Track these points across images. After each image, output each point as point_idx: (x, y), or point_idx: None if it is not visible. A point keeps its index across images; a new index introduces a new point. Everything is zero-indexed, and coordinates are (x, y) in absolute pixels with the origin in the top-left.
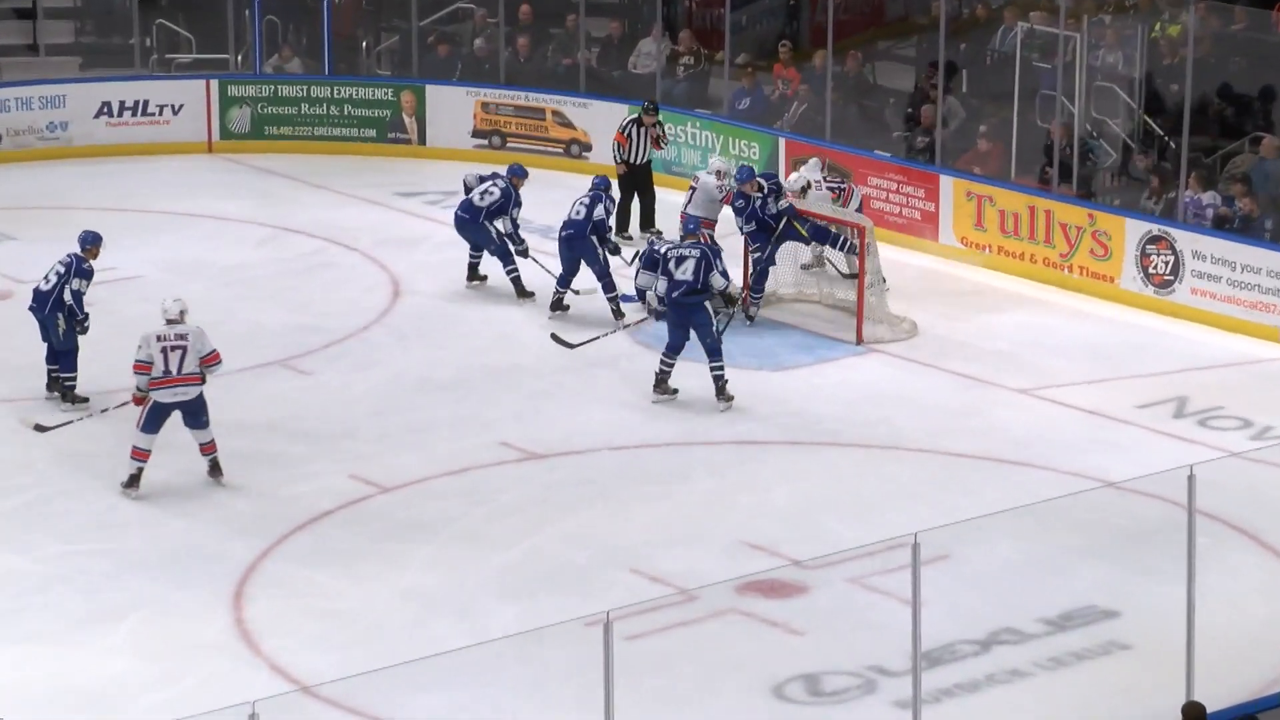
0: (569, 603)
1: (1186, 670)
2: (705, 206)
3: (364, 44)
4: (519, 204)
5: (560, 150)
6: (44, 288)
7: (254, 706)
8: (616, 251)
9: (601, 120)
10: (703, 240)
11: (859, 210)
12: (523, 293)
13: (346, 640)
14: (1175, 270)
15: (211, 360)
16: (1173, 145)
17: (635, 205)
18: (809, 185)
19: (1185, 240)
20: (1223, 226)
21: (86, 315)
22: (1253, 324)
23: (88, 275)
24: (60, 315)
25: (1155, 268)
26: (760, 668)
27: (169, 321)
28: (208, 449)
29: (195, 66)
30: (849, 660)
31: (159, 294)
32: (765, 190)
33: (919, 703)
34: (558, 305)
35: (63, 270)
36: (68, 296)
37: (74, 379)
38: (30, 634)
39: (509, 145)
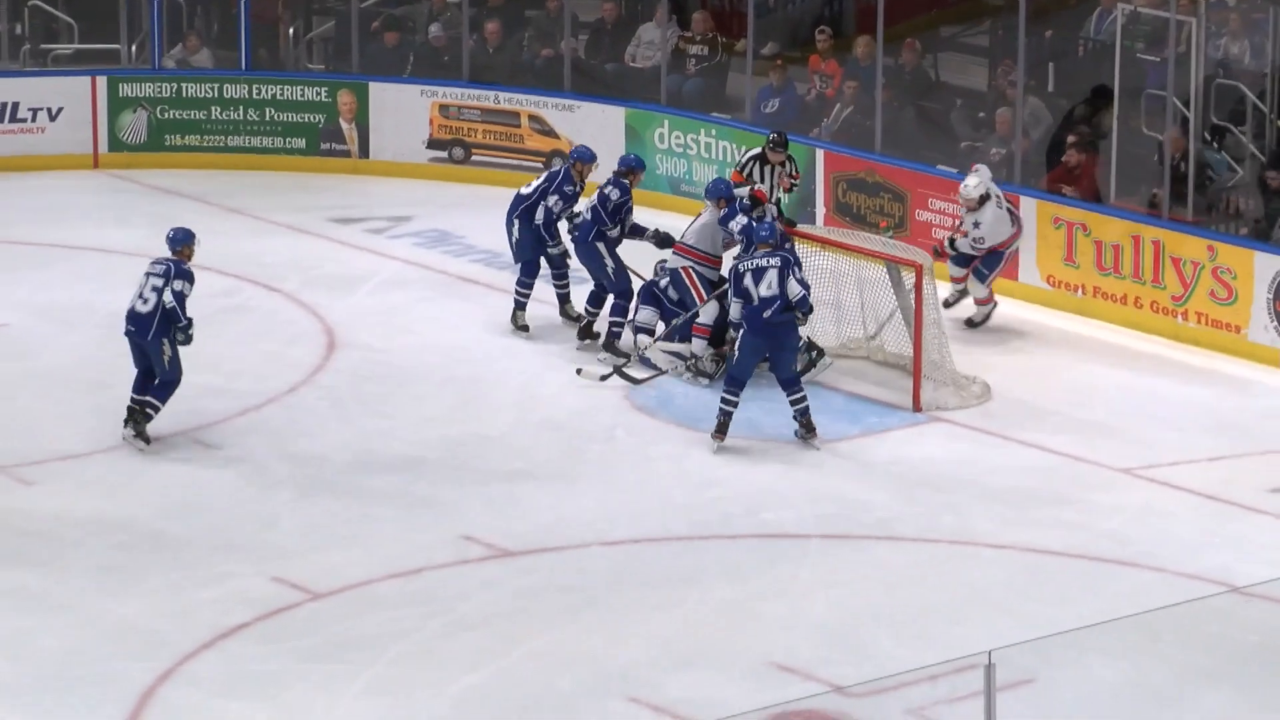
0: None
1: None
2: (705, 238)
3: (291, 31)
4: (568, 195)
5: (540, 164)
6: (141, 309)
7: None
8: (563, 258)
9: (591, 126)
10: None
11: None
12: (567, 315)
13: None
14: None
15: None
16: None
17: None
18: (987, 195)
19: None
20: None
21: (190, 321)
22: None
23: (189, 278)
24: (165, 340)
25: None
26: None
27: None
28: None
29: (78, 60)
30: None
31: (27, 348)
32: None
33: None
34: (585, 333)
35: (159, 282)
36: (168, 299)
37: (157, 412)
38: None
39: (474, 159)
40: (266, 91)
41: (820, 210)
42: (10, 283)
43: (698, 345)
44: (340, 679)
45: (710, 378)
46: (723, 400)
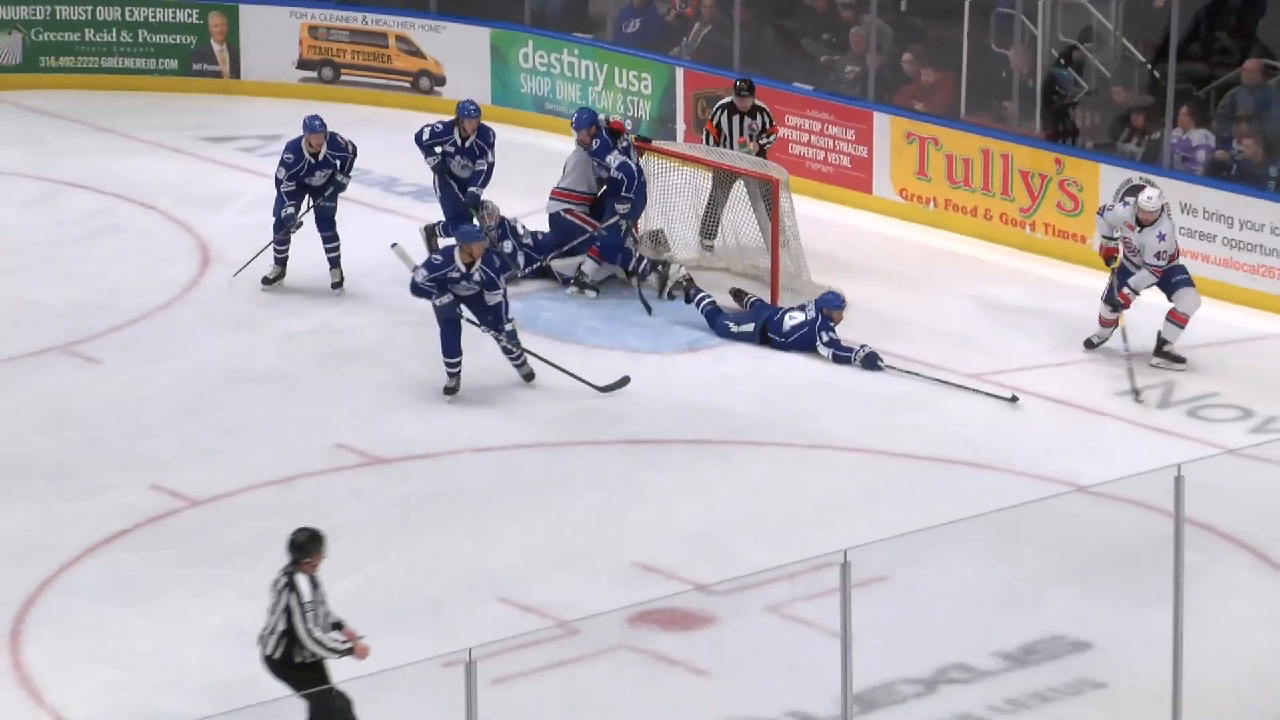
0: (422, 641)
1: (1173, 713)
2: (581, 178)
3: None
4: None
5: (407, 84)
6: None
7: None
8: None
9: (457, 46)
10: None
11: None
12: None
13: (146, 689)
14: None
15: None
16: (1157, 75)
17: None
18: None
19: (1173, 190)
20: (1219, 174)
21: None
22: (1254, 293)
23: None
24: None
25: None
26: (657, 716)
27: None
28: None
29: None
30: (765, 706)
31: None
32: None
33: None
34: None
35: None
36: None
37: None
38: None
39: (343, 78)
40: (139, 14)
41: (680, 127)
42: None
43: (589, 265)
44: (218, 584)
45: (596, 291)
46: None
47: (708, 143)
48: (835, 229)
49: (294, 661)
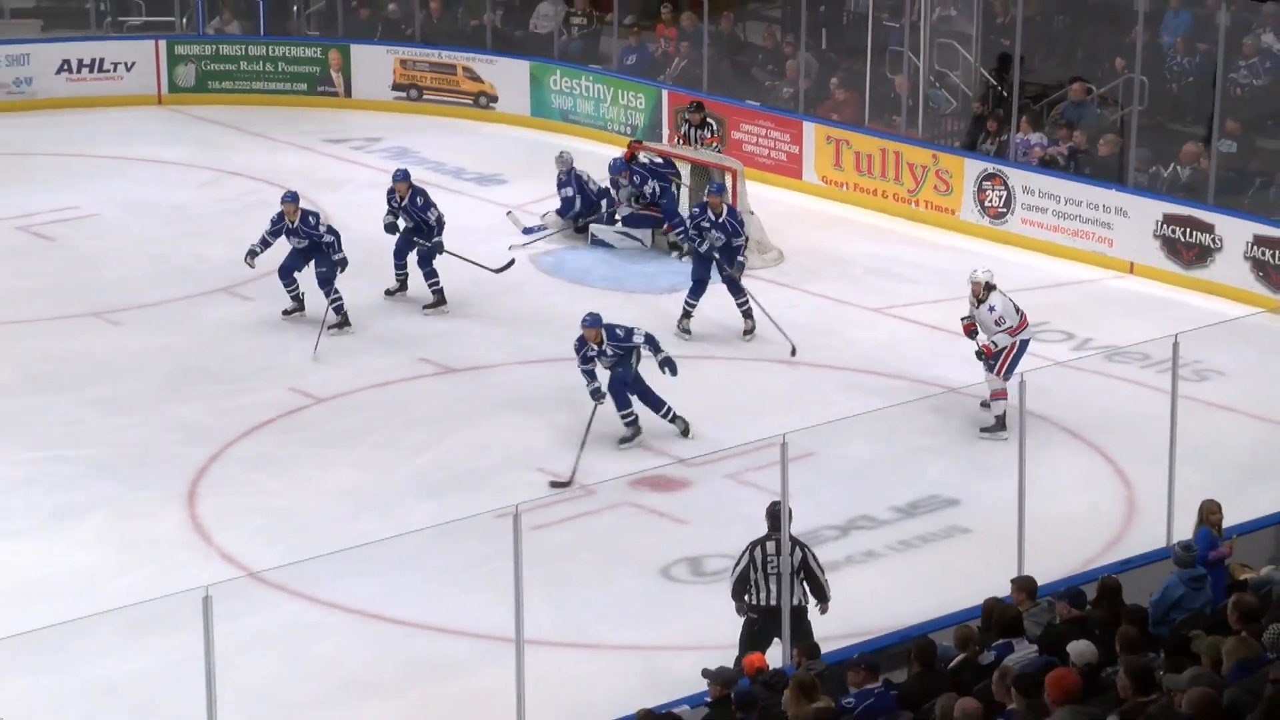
0: (480, 499)
1: (1018, 550)
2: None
3: (294, 8)
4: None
5: (470, 101)
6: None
7: (207, 590)
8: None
9: (506, 74)
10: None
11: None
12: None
13: (286, 533)
14: (1008, 204)
15: None
16: (1005, 93)
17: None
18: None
19: (1016, 177)
20: (1050, 165)
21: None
22: (1074, 250)
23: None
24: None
25: (990, 201)
26: (650, 552)
27: None
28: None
29: (145, 28)
30: (727, 545)
31: (114, 231)
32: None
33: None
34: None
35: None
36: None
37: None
38: (4, 531)
39: (425, 97)
40: (278, 50)
41: (665, 132)
42: (99, 186)
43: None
44: (335, 459)
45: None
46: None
47: (679, 144)
48: (775, 205)
49: None
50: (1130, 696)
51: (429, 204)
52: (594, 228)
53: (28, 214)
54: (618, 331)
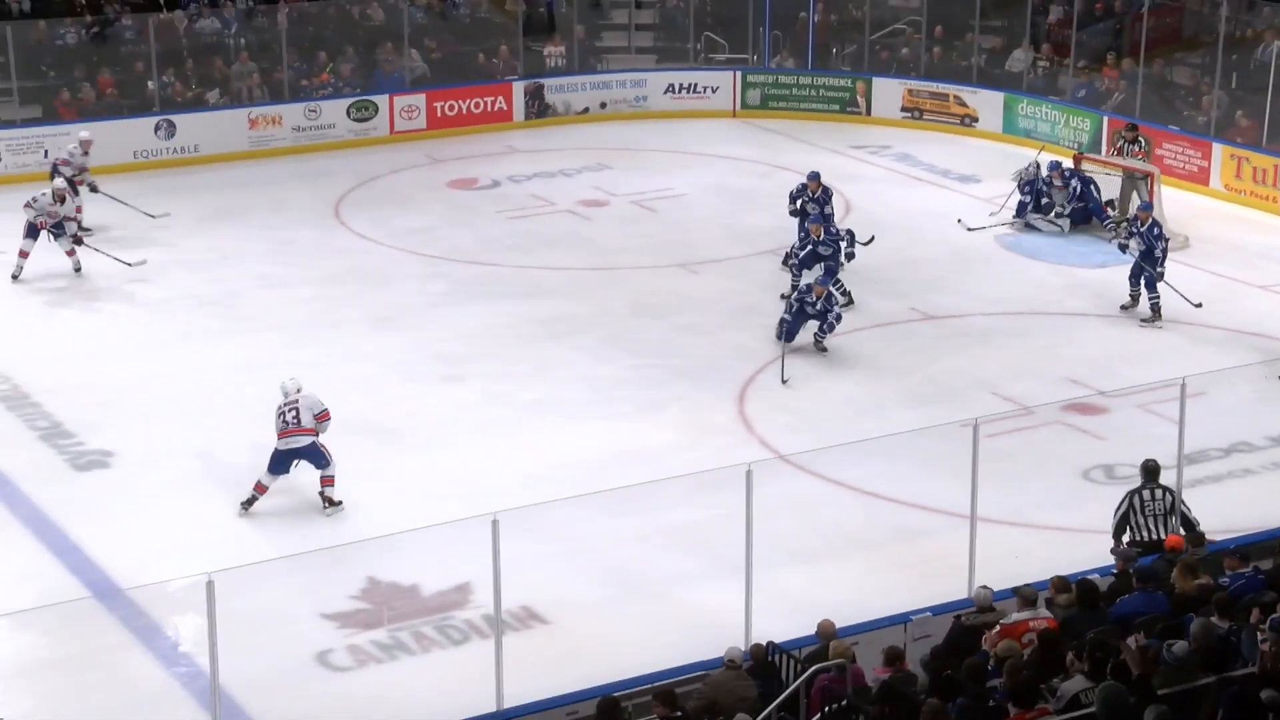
0: (949, 412)
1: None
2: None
3: (834, 50)
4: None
5: (958, 121)
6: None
7: (749, 467)
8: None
9: (986, 102)
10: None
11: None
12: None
13: (806, 427)
14: None
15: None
16: None
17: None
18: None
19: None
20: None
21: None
22: None
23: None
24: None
25: None
26: (1074, 460)
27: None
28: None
29: (727, 62)
30: (1135, 456)
31: (697, 206)
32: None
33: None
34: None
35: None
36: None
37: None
38: (612, 414)
39: (924, 117)
40: (820, 80)
41: (1103, 148)
42: (691, 174)
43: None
44: (842, 377)
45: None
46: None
47: (1112, 154)
48: (1187, 204)
49: None
50: None
51: (830, 200)
52: (1030, 216)
53: (639, 191)
54: (832, 229)
